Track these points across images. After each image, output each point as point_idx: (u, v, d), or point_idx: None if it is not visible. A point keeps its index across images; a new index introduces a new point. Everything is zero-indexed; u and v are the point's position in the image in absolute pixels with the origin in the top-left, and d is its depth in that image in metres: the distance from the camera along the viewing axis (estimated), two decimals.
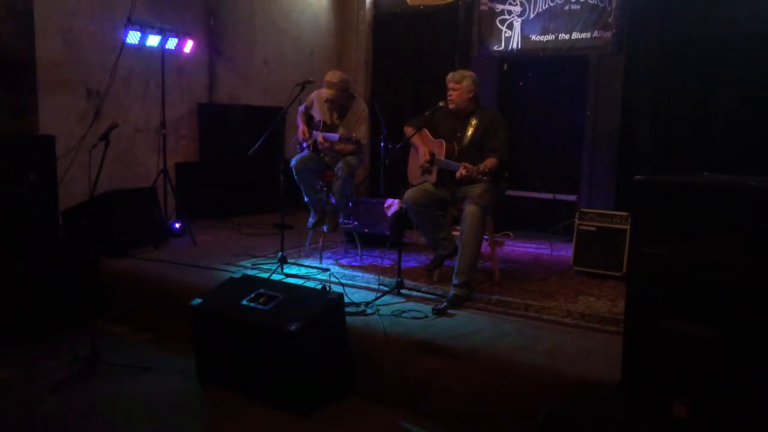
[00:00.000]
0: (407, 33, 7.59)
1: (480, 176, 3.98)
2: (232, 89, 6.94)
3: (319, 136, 4.88)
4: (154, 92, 5.91)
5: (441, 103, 4.36)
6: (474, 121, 4.39)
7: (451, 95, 4.42)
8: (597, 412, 2.60)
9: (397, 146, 4.42)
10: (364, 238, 5.34)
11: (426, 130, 4.50)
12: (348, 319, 3.58)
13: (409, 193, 4.34)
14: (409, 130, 4.52)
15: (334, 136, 4.84)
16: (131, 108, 5.92)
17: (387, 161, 4.02)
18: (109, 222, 4.94)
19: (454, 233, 4.38)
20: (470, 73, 4.46)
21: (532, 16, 6.40)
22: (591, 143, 6.20)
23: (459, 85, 4.38)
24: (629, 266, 2.87)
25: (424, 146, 4.47)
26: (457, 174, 4.09)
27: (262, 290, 3.60)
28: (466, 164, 4.03)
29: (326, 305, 3.49)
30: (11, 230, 4.41)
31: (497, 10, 6.61)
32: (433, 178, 4.40)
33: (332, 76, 4.93)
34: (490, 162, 4.10)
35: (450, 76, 4.44)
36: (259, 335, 3.41)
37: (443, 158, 4.31)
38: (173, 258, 4.89)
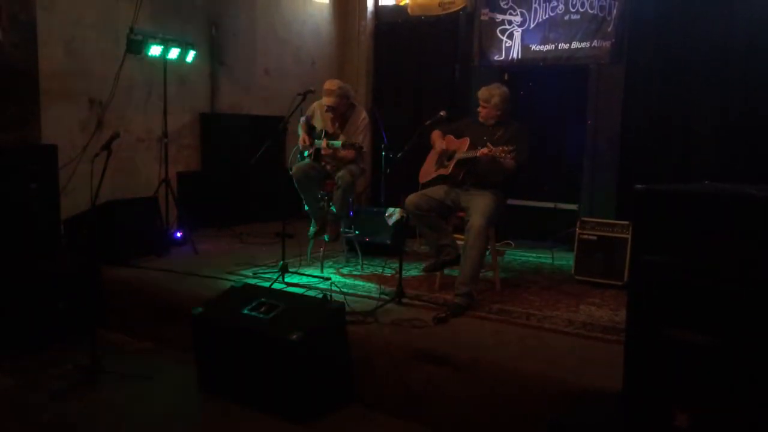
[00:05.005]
0: (408, 43, 7.62)
1: (504, 155, 3.99)
2: (234, 99, 6.96)
3: (323, 142, 4.90)
4: (156, 102, 5.92)
5: (442, 113, 4.37)
6: (501, 130, 4.43)
7: (480, 112, 4.47)
8: (598, 422, 2.59)
9: (414, 136, 4.42)
10: (365, 247, 5.33)
11: (450, 135, 4.55)
12: (349, 328, 3.58)
13: (410, 198, 4.35)
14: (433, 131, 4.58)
15: (338, 143, 4.86)
16: (133, 118, 5.93)
17: (401, 155, 4.06)
18: (110, 231, 4.94)
19: (458, 242, 4.37)
20: (500, 90, 4.43)
21: (532, 26, 6.43)
22: (591, 152, 6.21)
23: (488, 104, 4.42)
24: (630, 275, 2.86)
25: (443, 143, 4.51)
26: (479, 153, 4.09)
27: (263, 299, 3.60)
28: (489, 145, 4.06)
29: (327, 315, 3.50)
30: (13, 239, 4.42)
31: (497, 20, 6.64)
32: (448, 170, 4.41)
33: (331, 84, 4.97)
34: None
35: (480, 93, 4.47)
36: (259, 344, 3.41)
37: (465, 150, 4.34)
38: (175, 267, 4.89)
